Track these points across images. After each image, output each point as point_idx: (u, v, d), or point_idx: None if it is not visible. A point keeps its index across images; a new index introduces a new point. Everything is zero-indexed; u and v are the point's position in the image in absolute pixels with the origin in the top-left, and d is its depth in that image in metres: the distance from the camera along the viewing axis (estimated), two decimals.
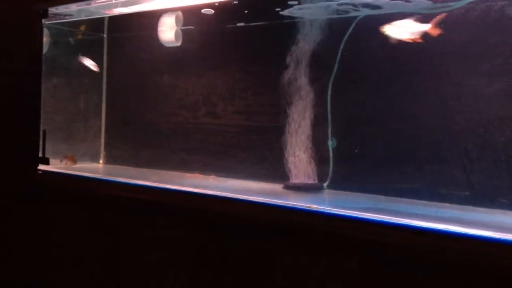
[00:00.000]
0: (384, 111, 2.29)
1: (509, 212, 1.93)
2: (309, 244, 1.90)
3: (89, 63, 3.14)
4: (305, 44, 2.43)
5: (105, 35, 3.37)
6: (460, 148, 2.09)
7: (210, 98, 2.88)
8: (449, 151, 2.12)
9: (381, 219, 1.74)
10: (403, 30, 2.06)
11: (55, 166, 2.93)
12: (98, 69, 3.20)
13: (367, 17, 2.29)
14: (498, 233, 1.50)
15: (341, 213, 1.82)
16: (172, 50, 2.97)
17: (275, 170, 2.53)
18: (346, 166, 2.40)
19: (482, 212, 1.96)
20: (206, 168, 2.84)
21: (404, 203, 2.12)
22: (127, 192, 2.46)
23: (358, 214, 1.78)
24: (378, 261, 1.73)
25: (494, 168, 2.01)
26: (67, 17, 3.11)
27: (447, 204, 2.07)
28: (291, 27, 2.48)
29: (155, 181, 2.49)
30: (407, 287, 1.65)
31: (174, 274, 2.27)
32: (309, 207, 1.91)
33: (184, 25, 2.93)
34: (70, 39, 3.30)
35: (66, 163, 3.03)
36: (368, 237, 1.74)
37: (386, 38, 2.14)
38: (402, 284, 1.66)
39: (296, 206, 1.93)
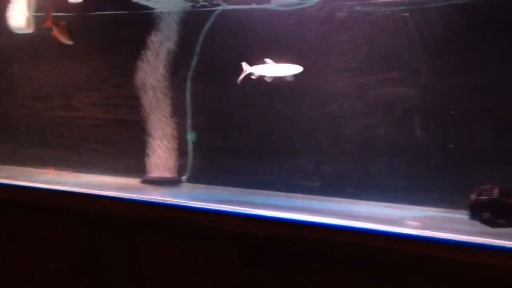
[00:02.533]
0: (243, 105, 2.32)
1: (355, 201, 2.05)
2: (165, 236, 1.87)
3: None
4: (164, 37, 2.39)
5: None
6: (312, 141, 2.19)
7: (66, 90, 2.73)
8: (302, 144, 2.20)
9: (233, 210, 1.76)
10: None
11: None
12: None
13: (225, 11, 2.30)
14: (341, 220, 1.58)
15: (195, 205, 1.81)
16: (23, 37, 2.77)
17: (135, 164, 2.46)
18: (206, 160, 2.40)
19: (330, 201, 2.06)
20: (62, 163, 2.69)
21: (260, 195, 2.17)
22: None
23: (212, 206, 1.78)
24: (233, 250, 1.74)
25: (342, 160, 2.13)
26: None
27: (300, 195, 2.15)
28: (151, 19, 2.43)
29: (2, 178, 2.31)
30: (263, 275, 1.68)
31: (18, 270, 2.12)
32: (164, 200, 1.88)
33: (39, 11, 2.74)
34: None
35: None
36: (224, 227, 1.75)
37: (243, 32, 2.18)
38: (258, 272, 1.69)
39: (148, 200, 1.89)
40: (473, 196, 1.45)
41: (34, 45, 2.79)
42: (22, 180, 2.26)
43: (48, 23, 2.41)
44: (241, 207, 1.77)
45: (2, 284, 2.16)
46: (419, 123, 2.00)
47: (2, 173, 2.53)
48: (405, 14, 2.00)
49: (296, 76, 2.17)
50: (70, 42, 2.44)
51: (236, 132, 2.35)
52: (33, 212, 2.12)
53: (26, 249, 2.12)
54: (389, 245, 1.41)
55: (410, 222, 1.63)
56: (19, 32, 2.74)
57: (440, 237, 1.32)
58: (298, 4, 2.09)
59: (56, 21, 2.42)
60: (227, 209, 1.76)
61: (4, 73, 2.89)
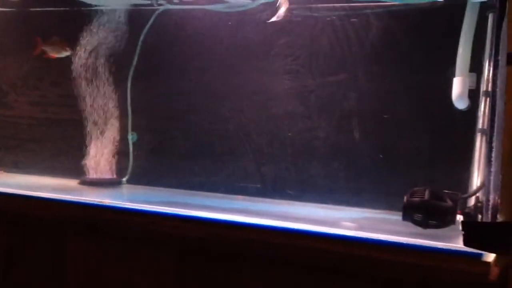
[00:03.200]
0: (184, 106, 2.31)
1: (295, 203, 2.07)
2: (102, 239, 1.83)
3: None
4: (104, 34, 2.35)
5: None
6: (253, 143, 2.20)
7: (1, 87, 2.64)
8: (243, 146, 2.21)
9: (172, 212, 1.74)
10: None
11: None
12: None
13: (167, 11, 2.28)
14: (276, 221, 1.59)
15: (133, 207, 1.79)
16: None
17: (73, 165, 2.41)
18: (147, 161, 2.37)
19: (270, 203, 2.08)
20: None
21: (200, 196, 2.17)
22: None
23: (148, 207, 1.76)
24: (172, 253, 1.73)
25: (282, 161, 2.15)
26: None
27: (240, 197, 2.16)
28: (90, 15, 2.37)
29: None
30: (203, 278, 1.67)
31: None
32: (101, 202, 1.84)
33: None
34: None
35: None
36: (162, 229, 1.73)
37: (184, 32, 2.16)
38: (198, 274, 1.68)
39: (86, 201, 1.85)
40: (406, 198, 1.49)
41: None
42: None
43: (38, 50, 2.38)
44: (179, 208, 1.76)
45: None
46: (357, 125, 2.04)
47: None
48: (345, 19, 2.04)
49: (239, 78, 2.19)
50: (68, 52, 2.38)
51: (178, 133, 2.33)
52: None
53: None
54: (323, 246, 1.44)
55: (346, 223, 1.66)
56: None
57: (370, 237, 1.35)
58: (240, 6, 2.10)
59: (45, 42, 2.37)
60: (162, 211, 1.75)
61: None
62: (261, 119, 2.20)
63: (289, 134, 2.14)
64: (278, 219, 1.58)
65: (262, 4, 2.14)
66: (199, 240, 1.67)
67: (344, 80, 2.06)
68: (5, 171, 2.51)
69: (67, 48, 2.38)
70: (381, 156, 1.97)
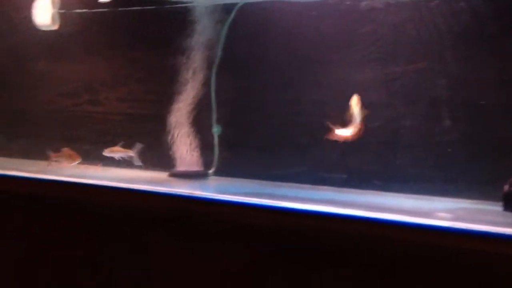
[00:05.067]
0: (266, 98, 2.33)
1: (382, 193, 2.04)
2: (194, 230, 1.88)
3: None
4: (189, 31, 2.40)
5: None
6: None
7: (92, 85, 2.76)
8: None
9: (262, 203, 1.76)
10: None
11: None
12: None
13: (247, 5, 2.30)
14: (371, 213, 1.57)
15: (224, 198, 1.82)
16: (49, 34, 2.80)
17: (161, 158, 2.48)
18: (231, 153, 2.41)
19: (357, 193, 2.06)
20: (89, 157, 2.72)
21: (286, 187, 2.18)
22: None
23: (240, 199, 1.79)
24: (262, 245, 1.75)
25: (368, 151, 2.12)
26: None
27: (326, 187, 2.16)
28: (176, 13, 2.44)
29: (34, 172, 2.34)
30: (290, 269, 1.69)
31: (45, 268, 2.16)
32: (191, 193, 1.89)
33: (62, 7, 2.77)
34: None
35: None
36: (251, 221, 1.76)
37: (266, 24, 2.18)
38: (285, 266, 1.70)
39: (180, 193, 1.91)
40: (506, 187, 1.44)
41: (59, 41, 2.82)
42: (53, 175, 2.30)
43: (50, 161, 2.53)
44: (268, 199, 1.78)
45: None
46: (446, 113, 1.98)
47: (32, 168, 2.57)
48: (431, 3, 1.98)
49: (321, 68, 2.18)
50: (79, 160, 2.53)
51: (262, 125, 2.35)
52: (59, 207, 2.16)
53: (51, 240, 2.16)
54: (422, 238, 1.41)
55: (441, 214, 1.62)
56: (44, 29, 2.77)
57: (475, 229, 1.31)
58: None
59: (57, 154, 2.53)
60: (253, 202, 1.77)
61: (31, 69, 2.93)
62: (344, 109, 2.18)
63: (375, 123, 2.11)
64: (370, 210, 1.56)
65: None
66: (288, 230, 1.68)
67: (431, 67, 2.00)
68: (102, 165, 2.63)
69: (77, 158, 2.53)
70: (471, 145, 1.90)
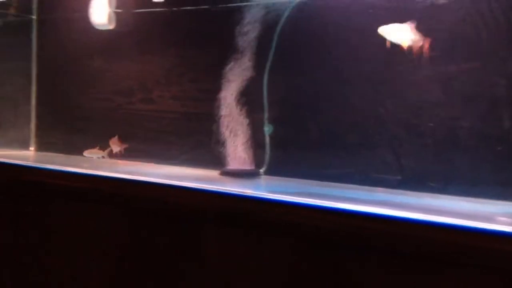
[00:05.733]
0: (318, 97, 2.31)
1: (439, 196, 1.99)
2: (245, 229, 1.89)
3: None
4: (242, 29, 2.41)
5: (34, 17, 3.22)
6: (390, 133, 2.14)
7: (146, 84, 2.82)
8: (380, 136, 2.16)
9: (315, 203, 1.75)
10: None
11: None
12: None
13: (302, 2, 2.29)
14: (427, 215, 1.54)
15: (276, 198, 1.82)
16: (105, 33, 2.87)
17: (212, 156, 2.50)
18: (282, 152, 2.41)
19: (412, 195, 2.02)
20: (142, 155, 2.78)
21: (337, 188, 2.16)
22: (58, 179, 2.37)
23: (292, 198, 1.78)
24: (311, 245, 1.74)
25: (423, 152, 2.08)
26: None
27: (380, 188, 2.12)
28: (229, 12, 2.45)
29: (87, 168, 2.41)
30: (339, 271, 1.67)
31: (102, 261, 2.21)
32: (243, 192, 1.90)
33: (118, 7, 2.84)
34: None
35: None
36: (302, 221, 1.75)
37: (318, 23, 2.16)
38: (335, 268, 1.68)
39: (231, 192, 1.92)
40: None
41: (114, 40, 2.89)
42: (104, 171, 2.35)
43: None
44: (320, 199, 1.76)
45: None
46: (507, 113, 1.91)
47: (85, 164, 2.64)
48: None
49: (374, 66, 2.14)
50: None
51: (313, 124, 2.33)
52: (115, 202, 2.21)
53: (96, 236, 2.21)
54: (481, 243, 1.36)
55: (502, 218, 1.56)
56: (101, 28, 2.85)
57: None
58: None
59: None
60: (307, 202, 1.76)
61: (87, 68, 3.01)
62: (398, 109, 2.14)
63: (430, 124, 2.06)
64: (427, 213, 1.52)
65: None
66: (337, 232, 1.66)
67: (489, 66, 1.93)
68: (154, 163, 2.68)
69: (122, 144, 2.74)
70: None
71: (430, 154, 2.06)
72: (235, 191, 1.90)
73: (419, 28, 2.05)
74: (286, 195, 1.82)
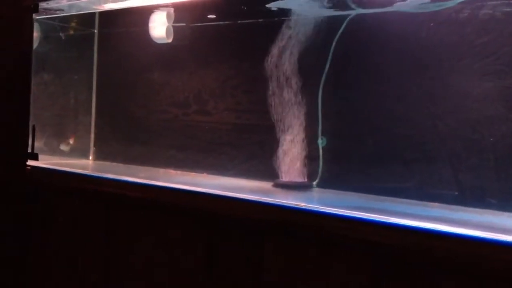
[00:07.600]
0: (374, 111, 2.29)
1: (498, 212, 1.93)
2: (298, 242, 1.89)
3: None
4: (295, 42, 2.43)
5: (96, 31, 3.35)
6: (448, 148, 2.10)
7: (201, 96, 2.87)
8: (437, 151, 2.12)
9: (370, 218, 1.74)
10: None
11: (44, 162, 2.91)
12: None
13: (358, 16, 2.29)
14: (486, 233, 1.50)
15: (330, 211, 1.82)
16: (163, 47, 2.95)
17: (265, 168, 2.52)
18: (336, 165, 2.40)
19: (471, 212, 1.97)
20: (196, 165, 2.83)
21: (392, 202, 2.13)
22: (117, 188, 2.44)
23: (347, 212, 1.78)
24: (367, 260, 1.73)
25: (483, 168, 2.02)
26: (57, 12, 3.09)
27: (436, 204, 2.08)
28: (282, 25, 2.47)
29: (144, 178, 2.47)
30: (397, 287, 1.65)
31: (162, 273, 2.26)
32: (297, 205, 1.90)
33: (175, 22, 2.92)
34: (61, 34, 3.28)
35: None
36: (357, 236, 1.74)
37: (374, 35, 2.14)
38: (392, 284, 1.66)
39: (285, 204, 1.93)
40: None
41: (172, 54, 2.97)
42: (161, 181, 2.41)
43: None
44: (375, 214, 1.74)
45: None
46: None
47: (141, 174, 2.71)
48: None
49: (432, 80, 2.11)
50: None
51: (368, 138, 2.31)
52: (173, 213, 2.26)
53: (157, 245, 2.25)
54: None
55: None
56: (159, 42, 2.93)
57: None
58: (438, 5, 2.02)
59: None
60: (362, 216, 1.74)
61: (145, 80, 3.10)
62: (457, 124, 2.09)
63: (491, 139, 2.00)
64: (488, 230, 1.49)
65: (460, 3, 2.04)
66: (395, 248, 1.64)
67: None
68: (208, 173, 2.72)
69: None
70: None
71: (490, 169, 2.00)
72: (309, 206, 1.89)
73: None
74: (342, 209, 1.81)
